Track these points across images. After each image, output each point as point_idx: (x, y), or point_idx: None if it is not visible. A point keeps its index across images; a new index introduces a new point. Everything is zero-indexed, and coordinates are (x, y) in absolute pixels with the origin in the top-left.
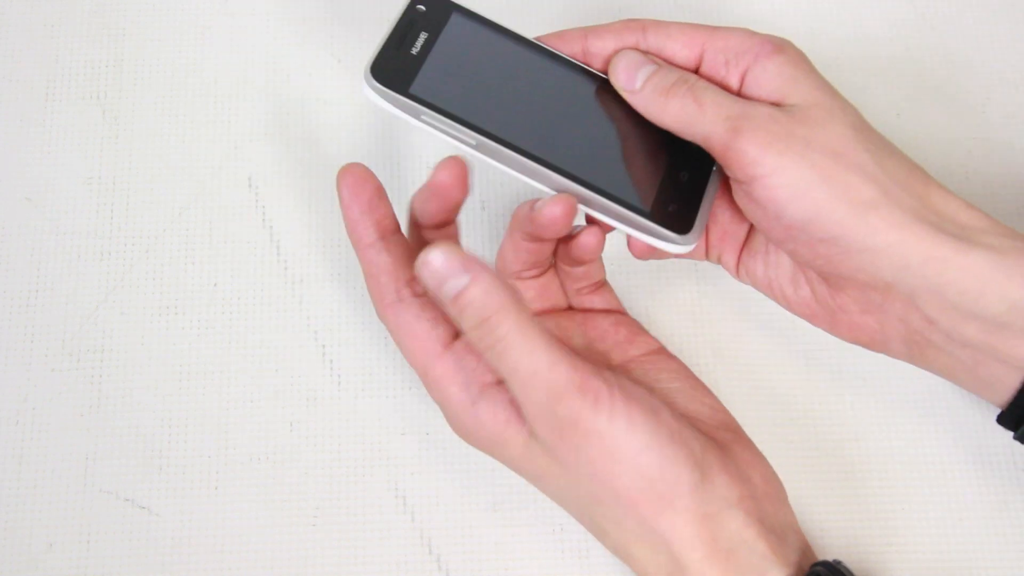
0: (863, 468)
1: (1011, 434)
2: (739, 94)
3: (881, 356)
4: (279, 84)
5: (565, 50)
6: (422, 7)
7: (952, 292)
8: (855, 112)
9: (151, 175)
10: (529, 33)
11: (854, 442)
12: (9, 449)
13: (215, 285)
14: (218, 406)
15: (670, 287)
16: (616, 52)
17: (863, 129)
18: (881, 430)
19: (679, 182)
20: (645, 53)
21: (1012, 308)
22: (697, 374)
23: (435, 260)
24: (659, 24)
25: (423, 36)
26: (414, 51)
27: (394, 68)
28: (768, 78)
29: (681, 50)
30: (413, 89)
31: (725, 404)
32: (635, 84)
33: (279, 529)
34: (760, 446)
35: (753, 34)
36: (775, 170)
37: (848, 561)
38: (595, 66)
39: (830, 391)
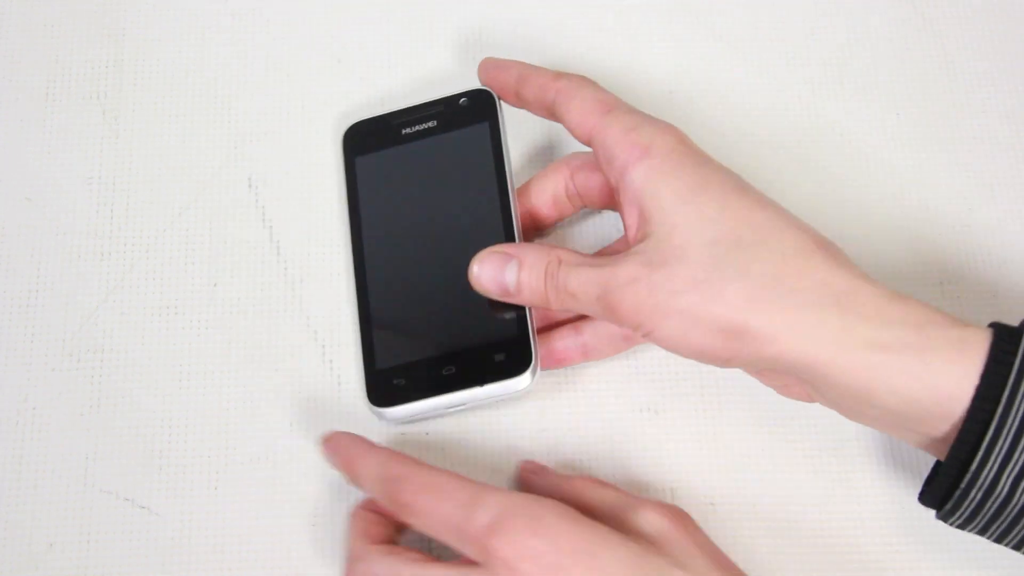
0: (863, 468)
1: None
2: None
3: None
4: (279, 84)
5: (501, 77)
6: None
7: (840, 388)
8: (715, 210)
9: (151, 175)
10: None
11: (854, 442)
12: (9, 449)
13: (215, 285)
14: (218, 406)
15: None
16: (475, 259)
17: (723, 239)
18: None
19: (498, 333)
20: (498, 247)
21: (903, 401)
22: (698, 374)
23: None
24: (567, 101)
25: None
26: None
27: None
28: (632, 193)
29: (576, 129)
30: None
31: (725, 403)
32: (509, 290)
33: (279, 529)
34: (761, 446)
35: (627, 133)
36: (653, 328)
37: (849, 561)
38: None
39: None
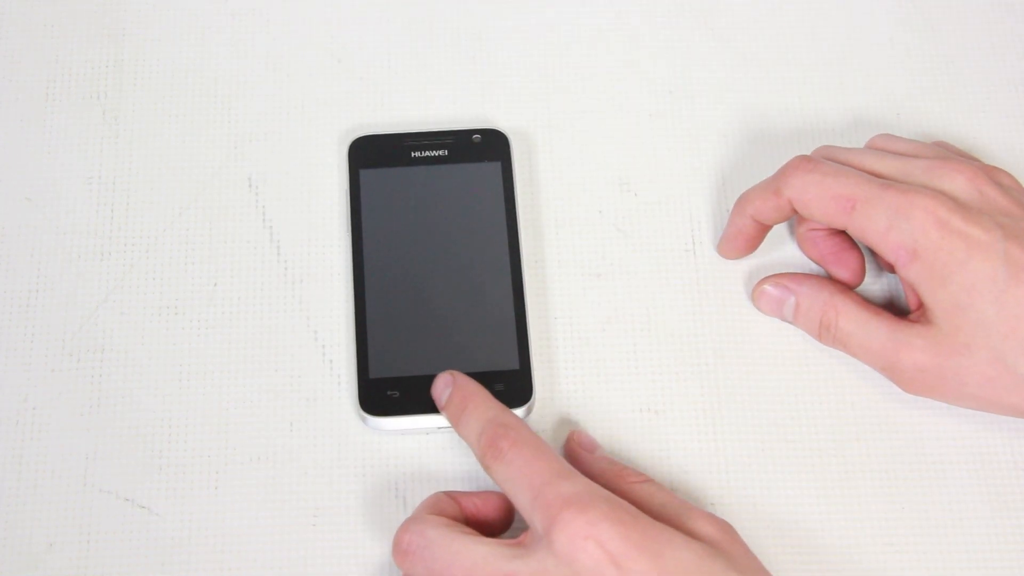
0: (863, 468)
1: (1011, 434)
2: None
3: None
4: (279, 84)
5: (737, 228)
6: None
7: None
8: (993, 310)
9: (151, 175)
10: None
11: (854, 442)
12: (9, 449)
13: (215, 285)
14: (218, 406)
15: (670, 287)
16: (758, 286)
17: (1008, 336)
18: (881, 430)
19: (500, 364)
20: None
21: None
22: (698, 374)
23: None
24: (802, 190)
25: None
26: None
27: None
28: (906, 284)
29: (823, 219)
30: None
31: (727, 402)
32: (786, 318)
33: (279, 529)
34: (761, 445)
35: (889, 230)
36: (946, 401)
37: (849, 561)
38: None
39: (830, 391)
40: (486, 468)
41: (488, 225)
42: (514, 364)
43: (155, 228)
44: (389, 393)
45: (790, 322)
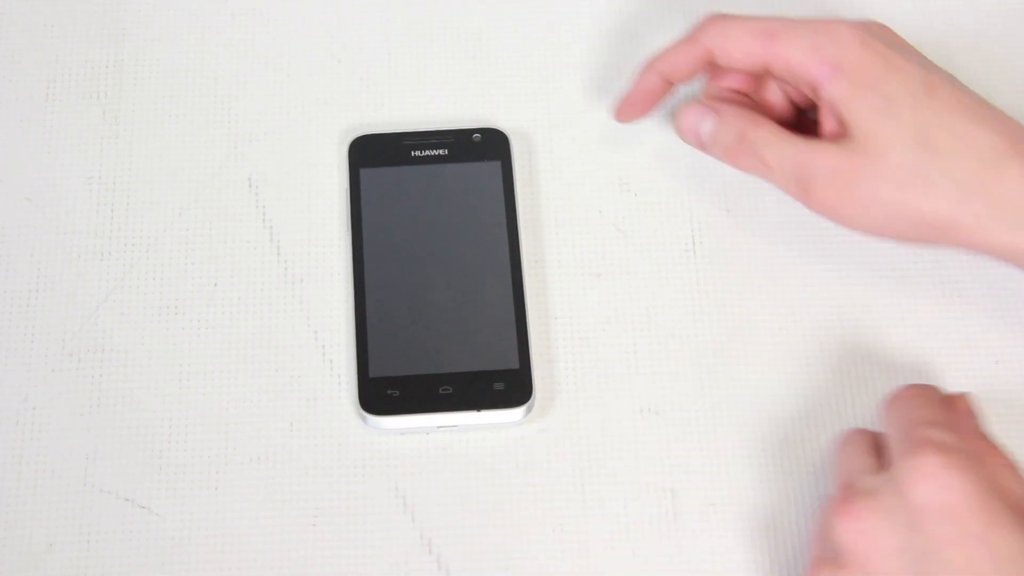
0: None
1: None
2: (803, 115)
3: (881, 355)
4: (279, 84)
5: (642, 86)
6: None
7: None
8: (911, 118)
9: (151, 175)
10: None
11: None
12: (9, 449)
13: (215, 285)
14: (218, 406)
15: (670, 287)
16: (679, 108)
17: (923, 145)
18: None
19: (500, 362)
20: (706, 98)
21: None
22: (698, 374)
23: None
24: (721, 31)
25: None
26: None
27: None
28: (827, 105)
29: (743, 59)
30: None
31: (726, 403)
32: (702, 141)
33: (279, 529)
34: (761, 445)
35: (814, 49)
36: (852, 218)
37: None
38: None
39: (830, 391)
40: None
41: (488, 225)
42: (514, 363)
43: (155, 228)
44: (389, 392)
45: (705, 146)
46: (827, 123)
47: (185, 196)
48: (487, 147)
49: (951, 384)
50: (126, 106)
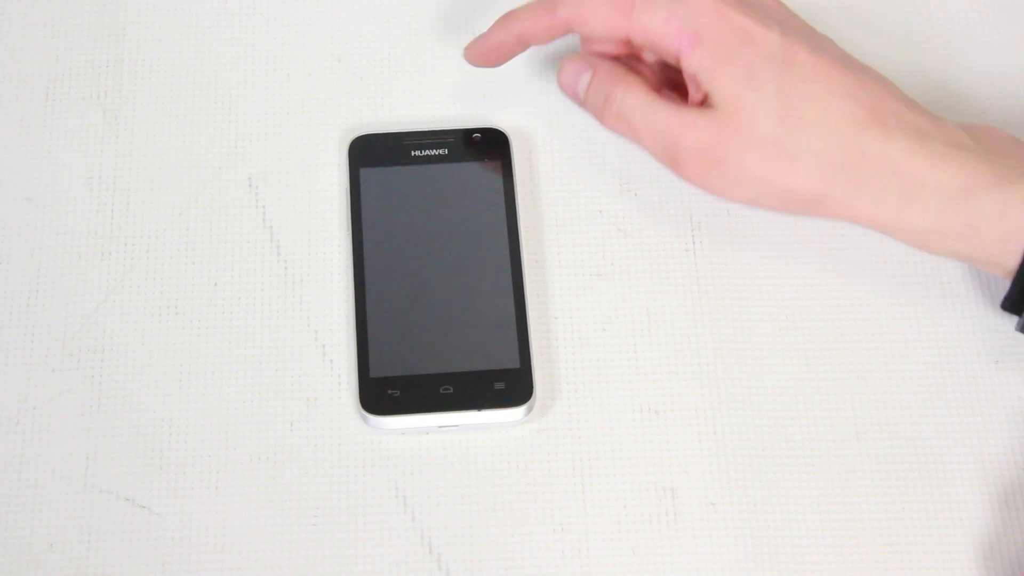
0: (863, 468)
1: (1011, 434)
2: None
3: (881, 355)
4: (279, 84)
5: (495, 40)
6: None
7: (905, 241)
8: (773, 89)
9: (151, 175)
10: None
11: (854, 442)
12: (9, 449)
13: (215, 285)
14: (218, 406)
15: (670, 287)
16: (564, 59)
17: (786, 116)
18: (881, 430)
19: (501, 362)
20: (586, 54)
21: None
22: (698, 374)
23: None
24: (578, 3)
25: None
26: None
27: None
28: (689, 74)
29: (603, 31)
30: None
31: (727, 402)
32: (580, 98)
33: (279, 529)
34: (761, 445)
35: (669, 20)
36: (723, 192)
37: (849, 561)
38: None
39: (830, 391)
40: None
41: (488, 224)
42: (515, 363)
43: (155, 228)
44: (390, 392)
45: (581, 100)
46: (693, 92)
47: (185, 196)
48: (487, 147)
49: (951, 385)
50: (126, 106)
